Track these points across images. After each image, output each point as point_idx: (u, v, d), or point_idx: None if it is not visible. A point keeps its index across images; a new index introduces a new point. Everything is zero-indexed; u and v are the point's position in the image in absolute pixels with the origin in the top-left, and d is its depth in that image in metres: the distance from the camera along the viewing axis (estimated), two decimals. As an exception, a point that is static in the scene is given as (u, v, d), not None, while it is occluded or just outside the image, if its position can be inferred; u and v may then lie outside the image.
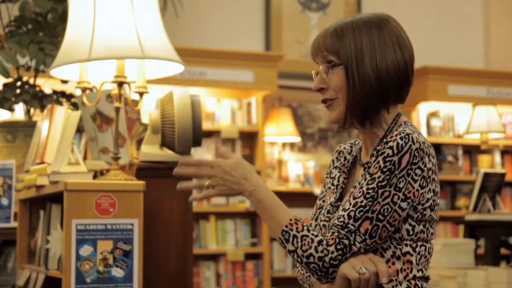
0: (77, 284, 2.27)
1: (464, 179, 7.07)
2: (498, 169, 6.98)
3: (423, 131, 6.92)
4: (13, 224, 3.21)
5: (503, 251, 5.25)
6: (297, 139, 6.70)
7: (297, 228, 1.72)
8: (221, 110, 6.39)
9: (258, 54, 6.49)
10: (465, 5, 7.57)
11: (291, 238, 1.72)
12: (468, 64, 7.31)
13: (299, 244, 1.71)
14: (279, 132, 6.56)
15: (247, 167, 1.78)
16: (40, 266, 2.63)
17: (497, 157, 7.23)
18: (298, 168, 6.81)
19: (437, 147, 7.01)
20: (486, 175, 5.24)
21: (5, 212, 3.25)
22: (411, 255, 1.74)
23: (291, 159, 6.84)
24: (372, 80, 1.76)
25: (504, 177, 5.39)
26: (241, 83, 6.32)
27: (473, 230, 5.10)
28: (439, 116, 7.06)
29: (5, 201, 3.26)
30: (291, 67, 6.75)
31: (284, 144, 6.82)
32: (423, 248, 1.76)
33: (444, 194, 7.07)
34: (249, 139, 6.49)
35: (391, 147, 1.69)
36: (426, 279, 1.78)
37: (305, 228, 1.73)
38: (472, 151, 7.16)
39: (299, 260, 1.71)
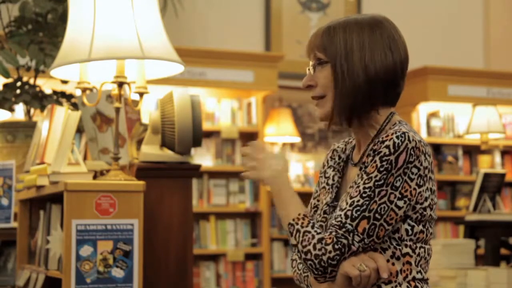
0: (77, 285, 2.27)
1: (464, 180, 7.07)
2: (498, 169, 6.97)
3: (423, 131, 6.92)
4: (13, 224, 3.21)
5: (503, 251, 5.24)
6: (297, 139, 6.70)
7: (302, 223, 1.74)
8: (221, 110, 6.39)
9: (258, 54, 6.49)
10: (465, 5, 7.57)
11: (294, 232, 1.74)
12: (468, 64, 7.31)
13: (300, 239, 1.72)
14: (279, 132, 6.56)
15: (283, 162, 1.82)
16: (40, 267, 2.63)
17: (497, 158, 7.22)
18: (298, 168, 6.80)
19: (437, 147, 7.01)
20: (486, 176, 5.24)
21: (5, 213, 3.25)
22: (411, 256, 1.74)
23: (291, 159, 6.84)
24: (360, 80, 1.76)
25: (504, 177, 5.38)
26: (241, 83, 6.31)
27: (473, 230, 5.09)
28: (439, 117, 7.05)
29: (5, 202, 3.26)
30: (291, 68, 6.75)
31: (284, 145, 6.81)
32: (422, 250, 1.76)
33: (444, 194, 7.07)
34: (249, 139, 6.46)
35: (387, 146, 1.70)
36: (425, 281, 1.78)
37: (310, 224, 1.73)
38: (472, 151, 7.16)
39: (299, 255, 1.73)
